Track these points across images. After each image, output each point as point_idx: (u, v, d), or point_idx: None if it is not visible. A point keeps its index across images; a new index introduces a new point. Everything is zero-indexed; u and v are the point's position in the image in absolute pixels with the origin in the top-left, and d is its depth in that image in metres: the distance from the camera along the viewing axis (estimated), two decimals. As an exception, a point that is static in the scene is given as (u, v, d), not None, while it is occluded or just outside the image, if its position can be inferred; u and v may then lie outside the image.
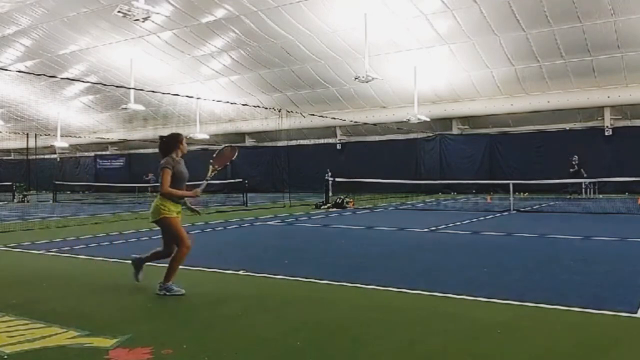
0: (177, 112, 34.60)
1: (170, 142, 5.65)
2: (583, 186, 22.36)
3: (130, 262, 5.99)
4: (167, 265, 5.57)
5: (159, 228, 5.67)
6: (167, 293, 5.43)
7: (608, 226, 11.99)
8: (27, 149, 30.09)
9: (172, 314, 4.86)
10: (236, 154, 6.16)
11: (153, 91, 26.73)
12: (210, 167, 5.97)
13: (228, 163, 6.28)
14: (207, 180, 5.84)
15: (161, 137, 5.76)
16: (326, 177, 20.03)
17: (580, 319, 4.54)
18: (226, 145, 6.50)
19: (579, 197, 22.15)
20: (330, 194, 19.59)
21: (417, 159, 29.17)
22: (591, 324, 4.39)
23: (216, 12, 23.06)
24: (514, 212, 15.67)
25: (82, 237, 10.43)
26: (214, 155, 6.15)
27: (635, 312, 4.59)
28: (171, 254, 5.61)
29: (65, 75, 29.56)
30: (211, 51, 26.60)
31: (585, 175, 21.76)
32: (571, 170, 22.24)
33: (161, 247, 5.77)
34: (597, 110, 25.10)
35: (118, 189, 33.00)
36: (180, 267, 7.12)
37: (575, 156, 22.39)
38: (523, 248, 8.88)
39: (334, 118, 27.00)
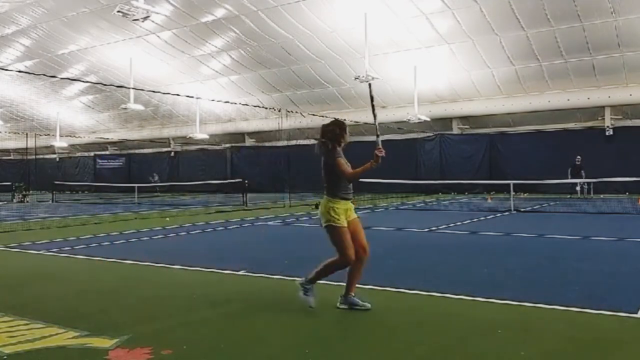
0: (177, 112, 34.60)
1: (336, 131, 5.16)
2: (584, 186, 22.37)
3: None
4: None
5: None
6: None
7: (608, 226, 11.98)
8: (27, 149, 30.06)
9: (172, 314, 4.86)
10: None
11: (153, 91, 26.73)
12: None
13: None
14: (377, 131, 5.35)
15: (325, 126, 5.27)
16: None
17: (580, 319, 4.53)
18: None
19: (579, 197, 22.16)
20: None
21: (417, 158, 29.12)
22: (591, 324, 4.39)
23: (216, 12, 23.06)
24: (514, 212, 15.67)
25: (82, 237, 10.42)
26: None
27: (635, 312, 4.59)
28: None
29: (65, 75, 29.55)
30: (211, 51, 26.59)
31: (583, 175, 21.76)
32: (570, 168, 22.27)
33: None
34: (598, 110, 25.06)
35: (118, 188, 32.98)
36: (180, 266, 7.19)
37: (579, 157, 22.40)
38: (523, 248, 8.88)
39: (334, 118, 26.99)
